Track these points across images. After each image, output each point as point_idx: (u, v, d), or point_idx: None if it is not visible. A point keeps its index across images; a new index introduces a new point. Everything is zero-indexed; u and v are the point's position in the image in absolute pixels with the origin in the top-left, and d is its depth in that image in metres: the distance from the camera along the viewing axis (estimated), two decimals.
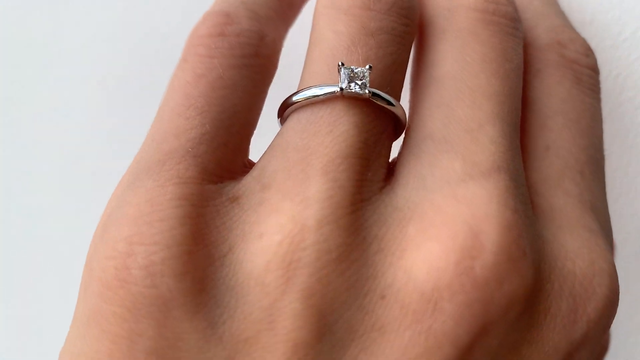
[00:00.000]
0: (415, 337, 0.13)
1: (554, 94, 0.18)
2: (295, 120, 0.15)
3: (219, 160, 0.14)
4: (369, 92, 0.14)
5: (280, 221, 0.13)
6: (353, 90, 0.14)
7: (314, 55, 0.16)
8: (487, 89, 0.16)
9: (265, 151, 0.15)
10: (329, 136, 0.14)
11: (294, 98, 0.15)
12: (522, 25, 0.18)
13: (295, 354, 0.13)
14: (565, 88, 0.18)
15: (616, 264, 0.17)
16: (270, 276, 0.13)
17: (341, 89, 0.14)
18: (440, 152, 0.15)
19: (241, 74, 0.15)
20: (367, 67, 0.15)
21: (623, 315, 0.24)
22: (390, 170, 0.15)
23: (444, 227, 0.13)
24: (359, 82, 0.14)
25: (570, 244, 0.15)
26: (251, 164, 0.15)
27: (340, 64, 0.15)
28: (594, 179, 0.17)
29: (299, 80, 0.16)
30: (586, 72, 0.18)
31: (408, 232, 0.14)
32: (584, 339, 0.15)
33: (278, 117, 0.16)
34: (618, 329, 0.26)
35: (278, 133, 0.15)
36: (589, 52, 0.18)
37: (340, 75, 0.14)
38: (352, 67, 0.15)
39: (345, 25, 0.16)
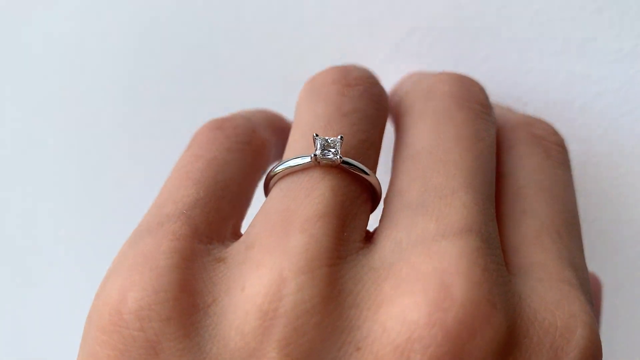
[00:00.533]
0: None
1: (526, 166, 0.19)
2: (278, 189, 0.17)
3: (210, 222, 0.16)
4: (340, 158, 0.16)
5: (260, 273, 0.15)
6: (326, 157, 0.16)
7: (295, 135, 0.18)
8: (460, 162, 0.17)
9: (252, 221, 0.17)
10: (307, 199, 0.16)
11: (276, 169, 0.17)
12: (494, 112, 0.20)
13: None
14: (536, 160, 0.19)
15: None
16: (249, 326, 0.14)
17: (315, 155, 0.16)
18: (417, 215, 0.16)
19: (234, 156, 0.18)
20: (339, 137, 0.16)
21: None
22: (369, 237, 0.17)
23: (417, 282, 0.14)
24: (332, 150, 0.16)
25: (550, 297, 0.16)
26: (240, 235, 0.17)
27: (314, 135, 0.16)
28: (571, 239, 0.18)
29: None
30: (554, 148, 0.20)
31: (383, 290, 0.15)
32: None
33: (264, 190, 0.18)
34: None
35: (264, 202, 0.17)
36: (555, 132, 0.20)
37: (315, 144, 0.16)
38: (325, 137, 0.16)
39: (322, 108, 0.18)
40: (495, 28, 0.24)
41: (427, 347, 0.14)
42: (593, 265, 0.22)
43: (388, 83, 0.23)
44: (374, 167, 0.18)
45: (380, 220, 0.17)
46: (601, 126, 0.24)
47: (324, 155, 0.16)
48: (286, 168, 0.17)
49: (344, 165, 0.16)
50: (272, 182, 0.17)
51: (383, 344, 0.14)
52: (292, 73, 0.25)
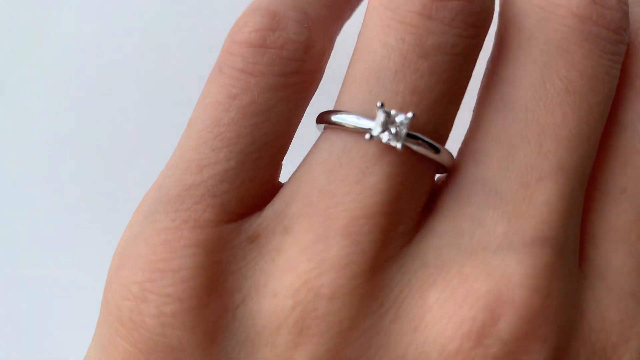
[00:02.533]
0: None
1: None
2: (328, 147, 0.14)
3: (241, 198, 0.14)
4: (402, 145, 0.13)
5: (295, 285, 0.13)
6: (384, 142, 0.13)
7: (358, 70, 0.14)
8: (561, 130, 0.14)
9: (291, 179, 0.14)
10: (357, 186, 0.13)
11: (332, 118, 0.14)
12: (629, 29, 0.15)
13: None
14: None
15: None
16: (280, 339, 0.13)
17: (371, 136, 0.13)
18: (487, 206, 0.14)
19: (277, 96, 0.14)
20: (410, 115, 0.13)
21: None
22: (427, 204, 0.14)
23: (464, 304, 0.13)
24: (395, 130, 0.13)
25: (612, 316, 0.14)
26: (279, 186, 0.15)
27: (379, 104, 0.13)
28: None
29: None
30: None
31: (428, 300, 0.13)
32: None
33: (317, 123, 0.14)
34: None
35: (310, 152, 0.14)
36: None
37: (377, 116, 0.13)
38: (391, 111, 0.13)
39: (398, 37, 0.14)
40: None
41: None
42: None
43: None
44: (448, 131, 0.14)
45: (446, 186, 0.14)
46: None
47: (381, 138, 0.13)
48: (342, 125, 0.13)
49: (409, 145, 0.13)
50: (325, 123, 0.14)
51: None
52: None
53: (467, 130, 0.15)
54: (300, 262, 0.13)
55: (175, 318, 0.13)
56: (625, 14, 0.15)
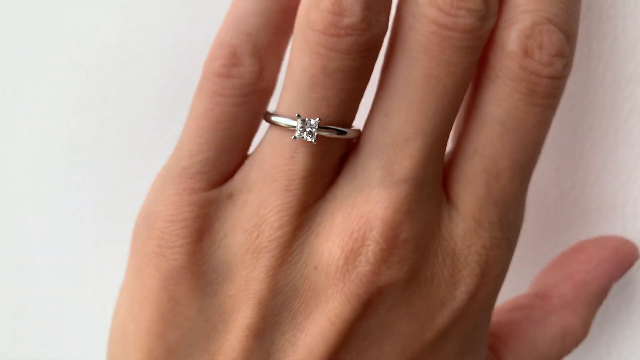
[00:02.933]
0: (335, 294, 0.21)
1: (501, 105, 0.20)
2: (270, 137, 0.21)
3: (220, 173, 0.22)
4: (315, 140, 0.20)
5: (257, 223, 0.21)
6: (304, 139, 0.20)
7: (287, 81, 0.21)
8: (422, 105, 0.20)
9: (251, 156, 0.22)
10: (291, 160, 0.21)
11: (271, 119, 0.21)
12: (489, 24, 0.20)
13: (259, 305, 0.21)
14: (513, 100, 0.20)
15: None
16: (247, 257, 0.21)
17: (294, 137, 0.20)
18: (372, 157, 0.21)
19: (240, 109, 0.21)
20: (317, 120, 0.20)
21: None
22: (343, 159, 0.22)
23: (355, 220, 0.21)
24: (310, 130, 0.20)
25: (459, 231, 0.21)
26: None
27: (297, 115, 0.20)
28: (511, 180, 0.21)
29: None
30: (543, 82, 0.20)
31: (335, 221, 0.21)
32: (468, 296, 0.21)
33: (263, 119, 0.22)
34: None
35: (262, 140, 0.22)
36: (554, 60, 0.20)
37: (297, 123, 0.20)
38: (305, 119, 0.20)
39: (309, 60, 0.20)
40: None
41: (342, 286, 0.21)
42: None
43: None
44: (352, 117, 0.21)
45: (356, 145, 0.22)
46: None
47: (302, 136, 0.20)
48: (277, 123, 0.21)
49: (321, 133, 0.20)
50: (268, 120, 0.21)
51: (331, 264, 0.21)
52: None
53: (374, 96, 0.21)
54: (259, 209, 0.21)
55: (182, 248, 0.21)
56: (479, 15, 0.19)
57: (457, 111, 0.21)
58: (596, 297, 0.26)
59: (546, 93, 0.20)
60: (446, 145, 0.21)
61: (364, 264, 0.20)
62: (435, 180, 0.21)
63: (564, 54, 0.20)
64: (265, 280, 0.21)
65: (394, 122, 0.20)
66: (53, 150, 0.30)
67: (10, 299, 0.32)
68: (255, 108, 0.21)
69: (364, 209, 0.20)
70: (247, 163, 0.22)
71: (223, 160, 0.22)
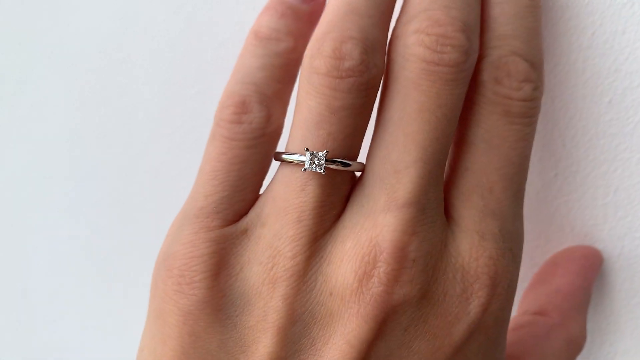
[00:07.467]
0: (352, 317, 0.22)
1: (482, 125, 0.22)
2: (282, 173, 0.23)
3: (235, 211, 0.23)
4: (324, 171, 0.22)
5: (271, 254, 0.22)
6: (314, 171, 0.21)
7: (295, 120, 0.23)
8: (417, 135, 0.22)
9: (264, 193, 0.23)
10: (302, 194, 0.22)
11: (283, 157, 0.22)
12: (472, 58, 0.22)
13: (278, 334, 0.22)
14: (492, 120, 0.22)
15: None
16: (264, 288, 0.22)
17: (304, 169, 0.22)
18: (375, 187, 0.22)
19: (251, 151, 0.23)
20: (325, 152, 0.21)
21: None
22: (348, 194, 0.23)
23: (365, 244, 0.22)
24: (318, 162, 0.21)
25: (464, 246, 0.22)
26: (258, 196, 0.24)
27: (306, 149, 0.21)
28: (504, 192, 0.22)
29: None
30: (516, 104, 0.22)
31: (346, 247, 0.22)
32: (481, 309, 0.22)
33: (274, 159, 0.23)
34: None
35: (273, 178, 0.23)
36: (523, 85, 0.22)
37: (306, 156, 0.21)
38: (313, 152, 0.21)
39: (315, 101, 0.22)
40: None
41: (358, 308, 0.22)
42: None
43: None
44: (357, 152, 0.23)
45: (360, 178, 0.23)
46: (631, 121, 0.26)
47: (312, 168, 0.22)
48: (287, 160, 0.22)
49: (329, 166, 0.22)
50: (279, 159, 0.23)
51: (345, 288, 0.22)
52: None
53: (372, 137, 0.23)
54: (273, 241, 0.22)
55: (201, 283, 0.22)
56: (463, 50, 0.21)
57: (452, 138, 0.23)
58: (585, 303, 0.27)
59: (521, 113, 0.22)
60: (444, 172, 0.23)
61: (377, 285, 0.21)
62: (437, 205, 0.23)
63: (531, 79, 0.22)
64: (283, 309, 0.22)
65: (393, 153, 0.22)
66: (53, 150, 0.30)
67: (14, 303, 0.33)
68: (265, 149, 0.23)
69: (373, 234, 0.22)
70: (261, 200, 0.23)
71: (237, 199, 0.23)
